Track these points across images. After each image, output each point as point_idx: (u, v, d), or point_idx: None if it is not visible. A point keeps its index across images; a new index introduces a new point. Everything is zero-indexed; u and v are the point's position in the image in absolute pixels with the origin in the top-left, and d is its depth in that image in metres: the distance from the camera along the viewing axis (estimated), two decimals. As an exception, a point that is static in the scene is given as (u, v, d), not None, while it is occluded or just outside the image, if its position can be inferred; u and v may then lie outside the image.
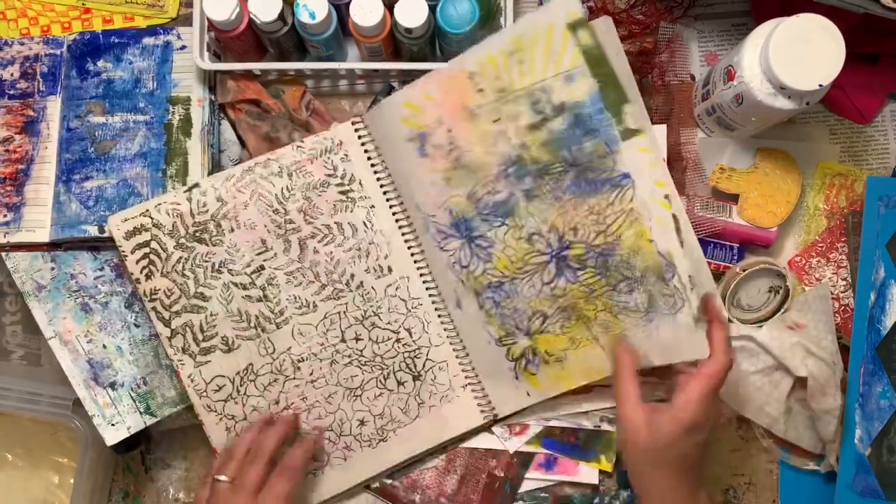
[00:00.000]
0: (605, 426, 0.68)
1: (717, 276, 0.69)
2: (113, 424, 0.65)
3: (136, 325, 0.67)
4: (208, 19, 0.65)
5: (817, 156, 0.71)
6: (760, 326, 0.68)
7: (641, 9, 0.71)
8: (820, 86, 0.58)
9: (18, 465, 0.71)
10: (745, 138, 0.69)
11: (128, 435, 0.65)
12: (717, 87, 0.65)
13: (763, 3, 0.71)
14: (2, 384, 0.68)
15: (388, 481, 0.69)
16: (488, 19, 0.71)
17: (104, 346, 0.67)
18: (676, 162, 0.70)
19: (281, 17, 0.65)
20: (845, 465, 0.65)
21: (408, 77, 0.73)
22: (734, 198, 0.69)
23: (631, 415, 0.55)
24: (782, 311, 0.68)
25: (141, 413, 0.66)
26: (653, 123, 0.70)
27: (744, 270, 0.67)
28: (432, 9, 0.65)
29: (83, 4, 0.73)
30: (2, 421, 0.71)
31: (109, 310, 0.67)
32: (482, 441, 0.69)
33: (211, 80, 0.70)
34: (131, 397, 0.66)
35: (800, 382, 0.67)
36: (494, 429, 0.69)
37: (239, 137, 0.71)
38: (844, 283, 0.70)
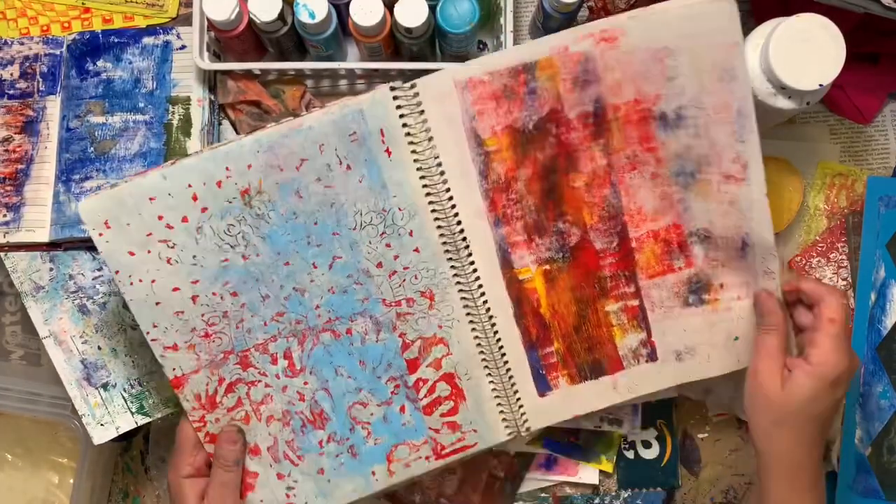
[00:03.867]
0: (606, 426, 0.69)
1: (718, 276, 0.69)
2: (102, 424, 0.65)
3: (133, 328, 0.67)
4: (208, 19, 0.65)
5: (817, 156, 0.71)
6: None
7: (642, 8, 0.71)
8: (820, 85, 0.58)
9: (18, 465, 0.71)
10: (745, 138, 0.69)
11: (116, 435, 0.65)
12: (717, 86, 0.65)
13: (763, 3, 0.71)
14: (1, 384, 0.68)
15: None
16: (488, 19, 0.71)
17: (99, 348, 0.67)
18: (676, 162, 0.69)
19: (281, 16, 0.65)
20: (845, 465, 0.66)
21: (408, 77, 0.73)
22: (734, 198, 0.69)
23: (766, 368, 0.52)
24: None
25: (133, 413, 0.66)
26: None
27: None
28: (432, 8, 0.65)
29: (83, 4, 0.73)
30: (1, 421, 0.71)
31: (107, 311, 0.67)
32: (482, 441, 0.69)
33: (211, 80, 0.70)
34: (123, 398, 0.66)
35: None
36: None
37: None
38: (845, 283, 0.70)
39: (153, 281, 0.54)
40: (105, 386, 0.66)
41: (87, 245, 0.68)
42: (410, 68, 0.70)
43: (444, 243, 0.56)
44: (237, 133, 0.71)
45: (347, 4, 0.65)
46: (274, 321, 0.56)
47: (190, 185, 0.53)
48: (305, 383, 0.58)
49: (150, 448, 0.71)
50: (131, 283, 0.54)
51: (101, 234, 0.53)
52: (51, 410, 0.68)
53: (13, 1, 0.73)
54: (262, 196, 0.54)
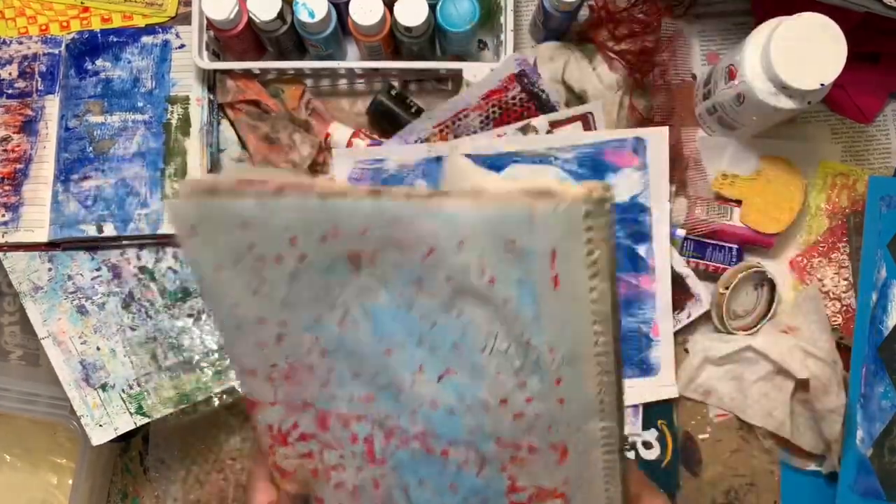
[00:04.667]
0: (606, 427, 0.68)
1: (715, 277, 0.69)
2: (101, 425, 0.65)
3: (133, 329, 0.67)
4: (207, 18, 0.65)
5: (819, 155, 0.71)
6: (757, 332, 0.68)
7: (642, 8, 0.71)
8: (821, 85, 0.57)
9: (17, 465, 0.71)
10: (746, 138, 0.69)
11: (115, 436, 0.65)
12: (718, 86, 0.64)
13: (764, 3, 0.71)
14: (0, 385, 0.68)
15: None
16: (488, 18, 0.70)
17: (98, 349, 0.66)
18: (677, 161, 0.69)
19: (280, 15, 0.64)
20: (847, 465, 0.65)
21: (407, 76, 0.73)
22: (735, 199, 0.69)
23: None
24: (775, 303, 0.68)
25: (132, 414, 0.66)
26: (653, 123, 0.70)
27: (726, 288, 0.67)
28: (432, 7, 0.65)
29: (82, 3, 0.73)
30: (0, 421, 0.71)
31: (106, 311, 0.67)
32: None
33: (210, 80, 0.70)
34: (122, 399, 0.66)
35: (799, 384, 0.67)
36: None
37: (239, 137, 0.71)
38: (846, 283, 0.69)
39: (237, 304, 0.43)
40: (104, 387, 0.66)
41: (86, 246, 0.68)
42: (410, 68, 0.69)
43: (602, 402, 0.42)
44: (237, 133, 0.71)
45: (347, 3, 0.65)
46: (361, 402, 0.45)
47: (288, 228, 0.41)
48: (383, 475, 0.47)
49: (149, 449, 0.71)
50: (213, 298, 0.44)
51: (186, 238, 0.42)
52: (49, 411, 0.67)
53: (12, 0, 0.73)
54: (375, 270, 0.41)
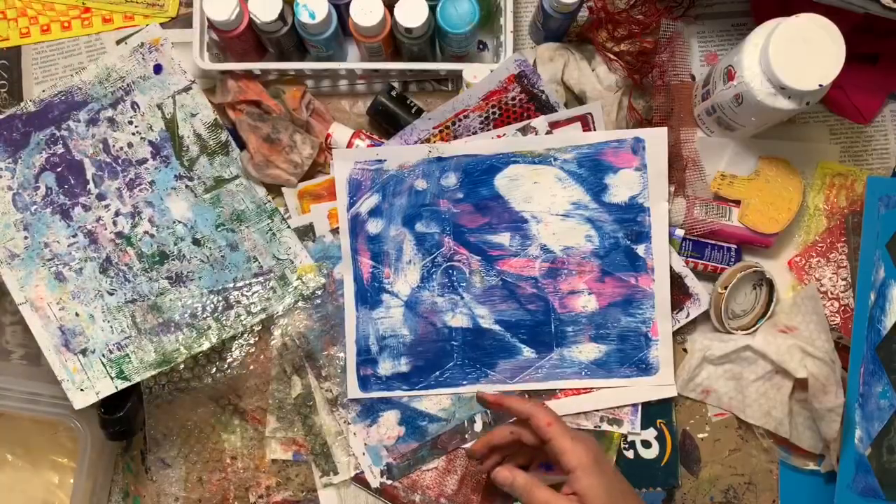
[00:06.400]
0: (605, 426, 0.69)
1: (714, 277, 0.69)
2: (82, 390, 0.66)
3: (111, 293, 0.68)
4: (208, 19, 0.65)
5: (817, 156, 0.71)
6: (755, 331, 0.68)
7: (641, 8, 0.71)
8: (820, 86, 0.58)
9: (18, 464, 0.71)
10: (745, 138, 0.69)
11: (96, 399, 0.66)
12: (717, 87, 0.65)
13: (763, 4, 0.71)
14: (2, 384, 0.68)
15: (389, 481, 0.69)
16: (488, 19, 0.71)
17: (76, 314, 0.67)
18: (676, 161, 0.70)
19: (281, 17, 0.65)
20: (845, 465, 0.66)
21: (408, 77, 0.73)
22: (734, 199, 0.69)
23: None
24: (773, 302, 0.68)
25: (112, 378, 0.67)
26: (653, 123, 0.70)
27: (725, 288, 0.67)
28: (432, 9, 0.65)
29: (83, 4, 0.73)
30: (2, 421, 0.71)
31: (84, 276, 0.68)
32: (482, 441, 0.69)
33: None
34: (102, 363, 0.67)
35: (798, 384, 0.67)
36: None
37: (239, 138, 0.71)
38: (844, 283, 0.70)
39: None
40: (84, 352, 0.67)
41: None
42: (411, 68, 0.70)
43: None
44: (237, 134, 0.71)
45: (347, 5, 0.65)
46: None
47: None
48: None
49: (150, 448, 0.71)
50: None
51: None
52: (51, 410, 0.68)
53: (13, 0, 0.73)
54: None
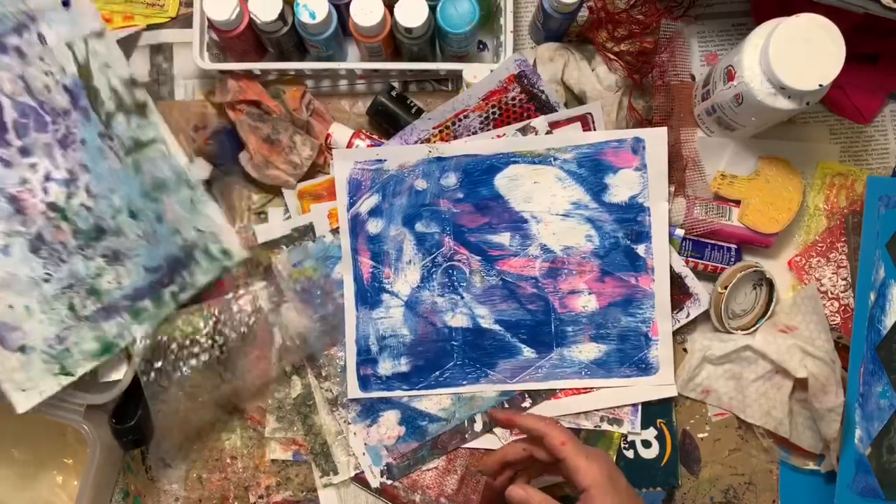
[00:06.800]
0: (605, 426, 0.69)
1: (714, 277, 0.69)
2: (24, 390, 0.59)
3: (46, 280, 0.59)
4: (208, 19, 0.65)
5: (817, 156, 0.71)
6: (755, 331, 0.68)
7: (641, 9, 0.71)
8: (820, 86, 0.58)
9: (24, 462, 0.71)
10: (745, 138, 0.69)
11: (41, 399, 0.59)
12: (717, 87, 0.65)
13: (763, 4, 0.71)
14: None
15: (389, 481, 0.69)
16: (488, 19, 0.71)
17: (10, 307, 0.59)
18: (676, 161, 0.70)
19: (281, 16, 0.65)
20: (845, 464, 0.66)
21: (408, 77, 0.73)
22: (734, 199, 0.69)
23: None
24: (773, 302, 0.68)
25: (55, 374, 0.60)
26: (653, 123, 0.70)
27: (725, 288, 0.67)
28: (432, 9, 0.65)
29: (83, 4, 0.73)
30: (9, 420, 0.70)
31: (12, 258, 0.58)
32: (483, 441, 0.69)
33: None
34: (43, 360, 0.60)
35: (798, 383, 0.67)
36: (495, 429, 0.69)
37: (239, 138, 0.71)
38: (844, 283, 0.70)
39: None
40: (22, 349, 0.59)
41: None
42: (411, 68, 0.70)
43: None
44: (237, 134, 0.71)
45: (348, 5, 0.65)
46: None
47: None
48: None
49: (150, 448, 0.71)
50: None
51: None
52: (63, 414, 0.66)
53: (13, 1, 0.73)
54: None
